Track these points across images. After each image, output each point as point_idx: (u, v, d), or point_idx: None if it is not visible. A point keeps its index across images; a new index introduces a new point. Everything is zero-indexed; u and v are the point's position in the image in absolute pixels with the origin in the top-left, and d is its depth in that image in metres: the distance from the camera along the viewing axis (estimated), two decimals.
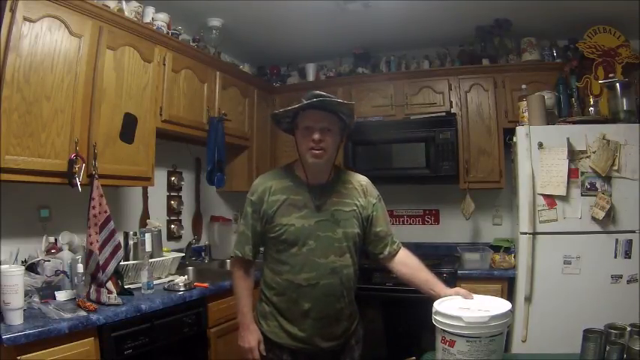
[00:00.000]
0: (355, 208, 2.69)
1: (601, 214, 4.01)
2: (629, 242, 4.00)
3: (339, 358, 2.72)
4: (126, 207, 4.42)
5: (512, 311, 2.08)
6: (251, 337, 2.66)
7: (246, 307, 2.71)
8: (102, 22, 3.46)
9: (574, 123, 4.30)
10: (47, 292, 3.11)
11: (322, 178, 2.68)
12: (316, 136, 2.54)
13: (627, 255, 3.99)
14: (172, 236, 4.98)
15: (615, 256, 4.02)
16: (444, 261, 4.93)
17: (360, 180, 2.83)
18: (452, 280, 4.50)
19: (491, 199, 5.47)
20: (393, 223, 3.80)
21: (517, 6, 4.60)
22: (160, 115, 4.03)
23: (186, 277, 3.85)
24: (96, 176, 3.30)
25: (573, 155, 4.12)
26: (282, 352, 2.64)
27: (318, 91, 2.58)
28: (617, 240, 4.03)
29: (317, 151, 2.56)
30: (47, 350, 2.55)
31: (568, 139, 4.12)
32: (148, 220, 4.40)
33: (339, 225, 2.60)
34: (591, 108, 4.54)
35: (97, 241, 3.21)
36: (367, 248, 2.79)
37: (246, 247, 2.69)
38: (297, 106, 2.60)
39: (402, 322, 4.67)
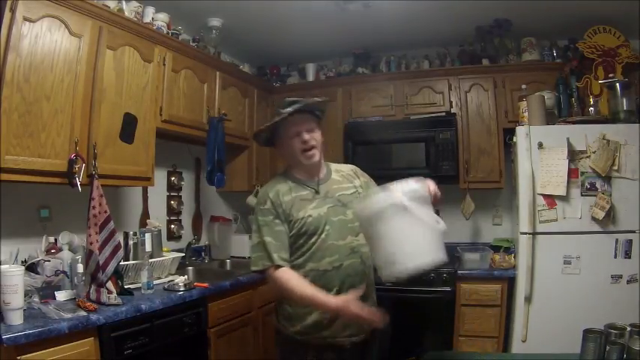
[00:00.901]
0: (355, 189, 2.83)
1: (601, 214, 4.01)
2: (629, 242, 4.00)
3: (362, 355, 2.76)
4: (126, 207, 4.42)
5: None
6: (341, 299, 2.40)
7: (313, 290, 2.48)
8: (102, 22, 3.46)
9: (574, 123, 4.31)
10: (47, 292, 3.11)
11: (320, 172, 2.82)
12: (306, 136, 2.69)
13: (627, 255, 4.00)
14: (172, 236, 4.98)
15: (615, 256, 4.03)
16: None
17: (348, 166, 3.05)
18: (452, 280, 4.51)
19: (492, 199, 5.48)
20: None
21: (517, 6, 4.60)
22: (160, 115, 4.03)
23: (186, 277, 3.85)
24: (96, 176, 3.30)
25: (573, 155, 4.13)
26: (307, 352, 2.62)
27: (291, 99, 2.73)
28: (617, 240, 4.04)
29: (310, 152, 2.70)
30: (47, 350, 2.55)
31: (568, 139, 4.13)
32: (148, 220, 4.40)
33: (347, 207, 2.69)
34: (591, 108, 4.55)
35: (97, 241, 3.21)
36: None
37: (275, 255, 2.57)
38: (283, 114, 2.67)
39: (403, 322, 4.66)
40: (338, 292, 2.54)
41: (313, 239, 2.62)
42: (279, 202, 2.67)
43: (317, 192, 2.73)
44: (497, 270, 4.55)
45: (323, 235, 2.62)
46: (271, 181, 2.88)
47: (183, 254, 4.59)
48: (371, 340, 2.78)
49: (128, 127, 3.70)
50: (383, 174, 5.16)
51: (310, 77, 6.00)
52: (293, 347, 2.67)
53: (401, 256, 2.18)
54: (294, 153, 2.73)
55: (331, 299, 2.41)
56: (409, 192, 2.31)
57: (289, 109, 2.65)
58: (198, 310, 3.66)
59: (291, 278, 2.54)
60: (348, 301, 2.33)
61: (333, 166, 2.97)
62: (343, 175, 2.89)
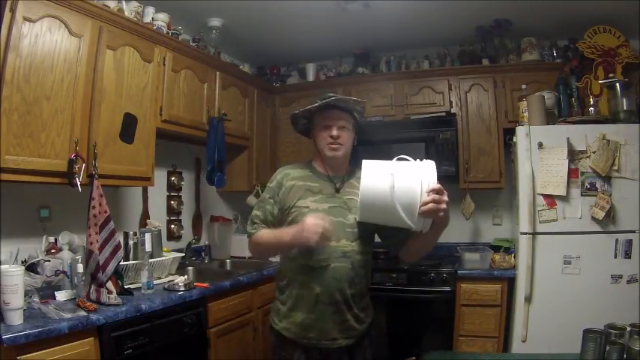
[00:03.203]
0: None
1: (601, 214, 4.01)
2: (629, 242, 4.00)
3: (352, 358, 2.73)
4: (126, 207, 4.42)
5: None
6: (299, 226, 2.50)
7: (277, 231, 2.73)
8: (102, 22, 3.46)
9: (574, 123, 4.31)
10: (47, 292, 3.11)
11: (339, 171, 2.83)
12: (334, 132, 2.70)
13: (627, 255, 4.00)
14: (172, 236, 4.98)
15: (615, 256, 4.03)
16: (444, 261, 4.93)
17: None
18: (452, 280, 4.51)
19: (492, 199, 5.48)
20: None
21: (517, 6, 4.61)
22: (160, 115, 4.03)
23: (186, 277, 3.85)
24: (96, 176, 3.30)
25: (573, 155, 4.13)
26: (294, 350, 2.69)
27: (331, 93, 2.75)
28: (617, 240, 4.04)
29: (335, 146, 2.72)
30: (47, 350, 2.55)
31: (568, 139, 4.13)
32: (148, 220, 4.40)
33: (351, 212, 2.68)
34: (591, 108, 4.55)
35: (97, 241, 3.21)
36: (386, 244, 2.82)
37: (258, 226, 2.79)
38: (316, 104, 2.75)
39: (403, 322, 4.67)
40: (318, 296, 2.60)
41: None
42: (282, 184, 2.78)
43: (328, 188, 2.76)
44: (497, 270, 4.55)
45: None
46: (291, 164, 2.98)
47: (183, 254, 4.59)
48: (361, 345, 2.77)
49: (128, 127, 3.70)
50: None
51: (310, 77, 6.00)
52: (282, 342, 2.74)
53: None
54: (319, 143, 2.78)
55: (289, 230, 2.60)
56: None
57: (324, 102, 2.70)
58: (198, 310, 3.66)
59: (262, 233, 2.75)
60: (303, 225, 2.44)
61: (359, 171, 2.73)
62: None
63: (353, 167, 2.90)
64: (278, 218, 2.78)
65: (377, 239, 2.86)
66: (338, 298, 2.61)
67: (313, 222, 2.41)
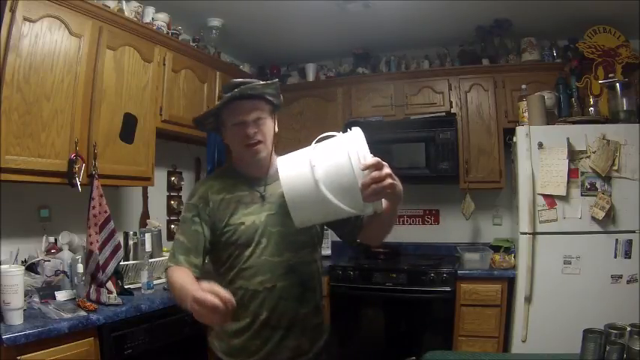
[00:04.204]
0: None
1: (601, 214, 4.01)
2: (629, 242, 4.00)
3: None
4: (126, 207, 4.42)
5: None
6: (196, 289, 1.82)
7: (187, 281, 2.05)
8: (102, 22, 3.47)
9: (574, 123, 4.30)
10: (47, 292, 3.12)
11: (264, 170, 2.36)
12: (250, 130, 2.23)
13: (627, 255, 4.00)
14: (172, 236, 4.97)
15: (615, 256, 4.02)
16: (444, 261, 4.94)
17: None
18: (452, 280, 4.51)
19: (492, 199, 5.47)
20: None
21: (517, 6, 4.60)
22: (160, 115, 4.04)
23: None
24: (96, 176, 3.31)
25: (573, 155, 4.13)
26: None
27: (237, 80, 2.32)
28: (617, 240, 4.04)
29: (255, 147, 2.26)
30: (47, 350, 2.56)
31: (568, 139, 4.13)
32: (148, 220, 4.41)
33: (290, 217, 2.10)
34: (591, 108, 4.55)
35: (97, 241, 3.22)
36: (340, 234, 2.45)
37: (181, 257, 2.23)
38: (218, 104, 2.32)
39: (402, 321, 4.68)
40: (266, 321, 2.20)
41: (247, 252, 2.22)
42: (207, 199, 2.30)
43: (260, 194, 2.31)
44: (497, 270, 4.55)
45: (258, 249, 2.22)
46: (210, 175, 2.59)
47: None
48: None
49: (128, 127, 3.70)
50: None
51: (310, 77, 5.99)
52: None
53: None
54: (235, 145, 2.32)
55: (189, 293, 1.83)
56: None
57: (228, 96, 2.23)
58: None
59: (175, 271, 2.17)
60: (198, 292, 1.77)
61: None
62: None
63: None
64: (210, 240, 2.27)
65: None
66: (289, 322, 2.24)
67: (205, 302, 1.70)
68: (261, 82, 2.29)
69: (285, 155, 2.14)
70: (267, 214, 2.26)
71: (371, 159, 1.88)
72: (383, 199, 2.01)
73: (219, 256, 2.32)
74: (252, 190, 2.32)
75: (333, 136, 2.06)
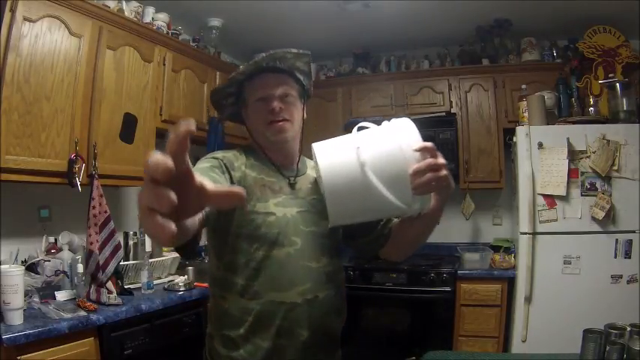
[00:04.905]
0: None
1: (601, 214, 4.01)
2: (629, 242, 4.00)
3: None
4: (126, 207, 4.41)
5: None
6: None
7: None
8: (102, 22, 3.47)
9: (574, 123, 4.30)
10: (47, 292, 3.12)
11: (289, 159, 1.99)
12: (275, 104, 1.86)
13: (627, 255, 3.99)
14: None
15: (615, 256, 4.02)
16: (444, 261, 4.94)
17: None
18: (452, 280, 4.51)
19: (492, 199, 5.47)
20: None
21: (517, 6, 4.60)
22: (160, 115, 4.04)
23: (186, 277, 3.86)
24: (96, 176, 3.31)
25: (573, 155, 4.12)
26: None
27: (264, 53, 1.96)
28: (617, 240, 4.03)
29: (280, 123, 1.87)
30: (47, 350, 2.56)
31: (568, 139, 4.13)
32: None
33: (321, 216, 1.79)
34: (591, 108, 4.55)
35: (97, 241, 3.21)
36: (360, 245, 2.06)
37: None
38: (240, 71, 1.97)
39: (402, 322, 4.67)
40: (308, 341, 1.79)
41: (278, 253, 1.77)
42: (233, 165, 1.84)
43: (289, 183, 1.92)
44: (497, 270, 4.55)
45: (292, 250, 1.78)
46: (230, 150, 1.98)
47: None
48: None
49: (128, 127, 3.70)
50: None
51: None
52: None
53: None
54: (257, 123, 1.92)
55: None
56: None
57: (252, 63, 1.94)
58: (198, 310, 3.66)
59: None
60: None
61: (309, 161, 2.08)
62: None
63: (303, 157, 2.07)
64: (221, 224, 1.81)
65: None
66: (327, 339, 1.90)
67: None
68: (292, 51, 1.99)
69: (319, 142, 1.78)
70: (299, 210, 1.87)
71: (424, 143, 1.56)
72: (432, 195, 1.68)
73: (231, 253, 1.81)
74: (280, 179, 1.91)
75: (367, 127, 1.75)
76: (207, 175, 1.62)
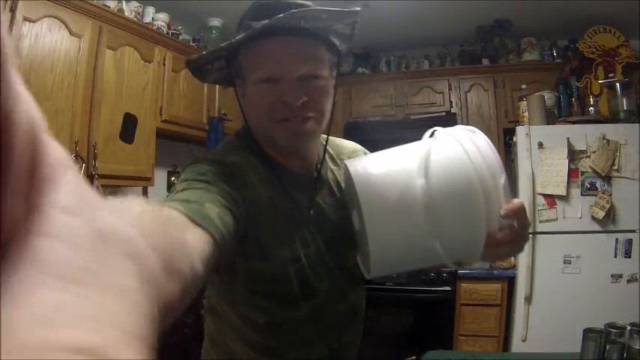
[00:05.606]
0: None
1: (601, 214, 4.01)
2: (629, 242, 4.00)
3: None
4: None
5: None
6: None
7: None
8: (102, 22, 3.47)
9: (574, 123, 4.30)
10: None
11: (309, 165, 1.41)
12: (295, 93, 1.19)
13: (627, 254, 3.99)
14: None
15: (615, 256, 4.02)
16: None
17: (351, 146, 1.68)
18: (452, 280, 4.51)
19: None
20: None
21: (517, 6, 4.61)
22: (160, 115, 4.04)
23: None
24: (96, 176, 3.31)
25: (573, 155, 4.12)
26: None
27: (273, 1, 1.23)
28: (617, 239, 4.03)
29: (299, 127, 1.24)
30: None
31: (568, 139, 4.12)
32: None
33: (350, 244, 1.33)
34: (591, 108, 4.55)
35: None
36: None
37: (207, 205, 0.97)
38: (238, 38, 1.22)
39: (403, 321, 4.67)
40: None
41: (301, 307, 1.30)
42: (246, 178, 1.24)
43: (309, 205, 1.35)
44: (498, 269, 4.55)
45: (318, 301, 1.32)
46: (227, 146, 1.39)
47: None
48: None
49: (128, 127, 3.70)
50: None
51: None
52: None
53: None
54: (261, 116, 1.27)
55: None
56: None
57: (259, 28, 1.17)
58: (199, 310, 3.66)
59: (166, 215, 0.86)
60: None
61: (330, 144, 1.53)
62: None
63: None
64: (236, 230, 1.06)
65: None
66: None
67: None
68: (327, 9, 1.17)
69: (360, 161, 1.24)
70: (325, 239, 1.34)
71: (515, 202, 1.12)
72: None
73: (244, 306, 1.31)
74: (299, 193, 1.34)
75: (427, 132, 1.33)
76: (225, 191, 1.09)
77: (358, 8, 1.26)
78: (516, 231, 1.11)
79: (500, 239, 1.09)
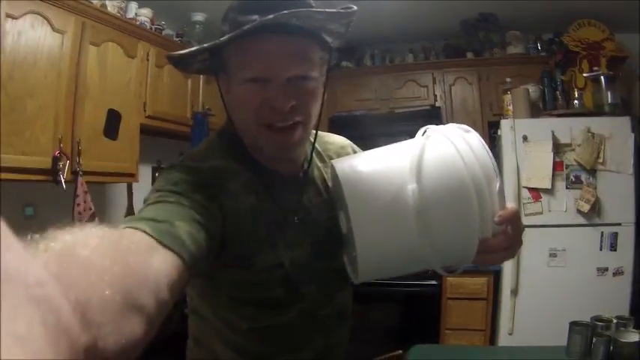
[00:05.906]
0: None
1: (586, 207, 4.03)
2: (615, 235, 4.02)
3: None
4: (111, 204, 4.38)
5: None
6: None
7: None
8: (85, 18, 3.44)
9: (559, 116, 4.33)
10: None
11: (296, 167, 1.37)
12: (284, 98, 1.15)
13: (613, 247, 4.02)
14: None
15: (601, 249, 4.05)
16: None
17: (340, 142, 1.62)
18: (438, 274, 4.50)
19: None
20: None
21: None
22: (144, 110, 4.01)
23: None
24: (80, 173, 3.29)
25: (558, 148, 4.14)
26: None
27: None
28: (602, 233, 4.06)
29: (286, 132, 1.20)
30: None
31: (553, 132, 4.14)
32: None
33: (338, 244, 1.32)
34: (576, 101, 4.57)
35: None
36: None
37: (177, 222, 0.96)
38: (224, 39, 1.24)
39: (389, 316, 4.68)
40: None
41: (287, 311, 1.29)
42: (217, 196, 1.15)
43: (286, 200, 1.30)
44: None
45: (304, 305, 1.30)
46: (207, 148, 1.33)
47: None
48: None
49: (112, 123, 3.68)
50: None
51: None
52: None
53: None
54: (245, 119, 1.22)
55: None
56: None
57: (253, 25, 1.11)
58: (184, 307, 3.64)
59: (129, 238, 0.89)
60: None
61: (318, 140, 1.44)
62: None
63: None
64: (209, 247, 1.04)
65: None
66: None
67: None
68: (327, 10, 1.18)
69: (347, 160, 1.26)
70: (311, 240, 1.31)
71: (509, 208, 1.09)
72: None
73: (227, 311, 1.30)
74: (284, 196, 1.30)
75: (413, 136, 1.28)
76: (199, 207, 1.05)
77: (355, 8, 1.22)
78: (510, 237, 1.10)
79: (493, 245, 1.09)
